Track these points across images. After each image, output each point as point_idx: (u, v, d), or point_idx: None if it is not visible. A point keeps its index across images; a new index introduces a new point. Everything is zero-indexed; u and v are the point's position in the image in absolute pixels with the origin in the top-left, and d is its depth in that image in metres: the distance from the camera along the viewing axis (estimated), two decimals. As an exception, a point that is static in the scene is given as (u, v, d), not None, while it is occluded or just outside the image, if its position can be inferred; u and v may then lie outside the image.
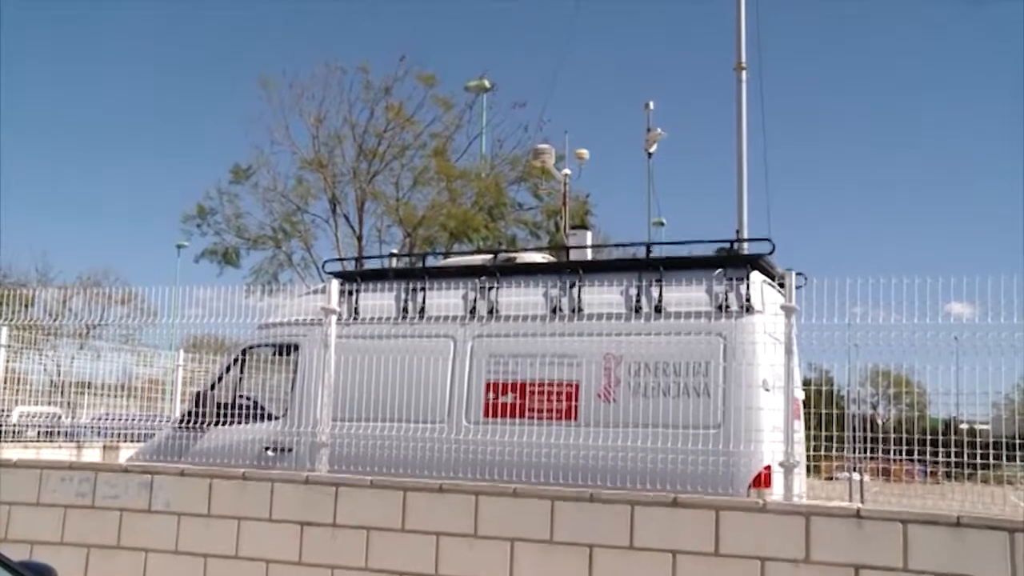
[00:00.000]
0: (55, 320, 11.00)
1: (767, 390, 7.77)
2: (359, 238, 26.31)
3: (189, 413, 9.52)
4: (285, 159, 26.95)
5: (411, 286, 9.23)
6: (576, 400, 8.33)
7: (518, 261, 9.64)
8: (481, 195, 25.72)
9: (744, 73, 15.82)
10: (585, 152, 21.59)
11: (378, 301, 9.29)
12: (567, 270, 8.89)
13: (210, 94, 60.96)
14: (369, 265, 11.17)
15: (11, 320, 10.29)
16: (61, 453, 12.12)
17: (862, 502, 7.95)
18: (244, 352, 9.69)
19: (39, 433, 12.62)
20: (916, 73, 62.63)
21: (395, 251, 18.26)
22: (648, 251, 8.99)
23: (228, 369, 9.71)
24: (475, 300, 8.98)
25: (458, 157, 26.70)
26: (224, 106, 59.46)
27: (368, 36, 51.54)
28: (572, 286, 8.70)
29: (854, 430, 8.05)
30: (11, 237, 57.81)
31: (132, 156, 64.96)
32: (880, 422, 8.30)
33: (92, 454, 12.61)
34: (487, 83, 26.43)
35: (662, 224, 28.64)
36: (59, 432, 12.80)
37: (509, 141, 26.28)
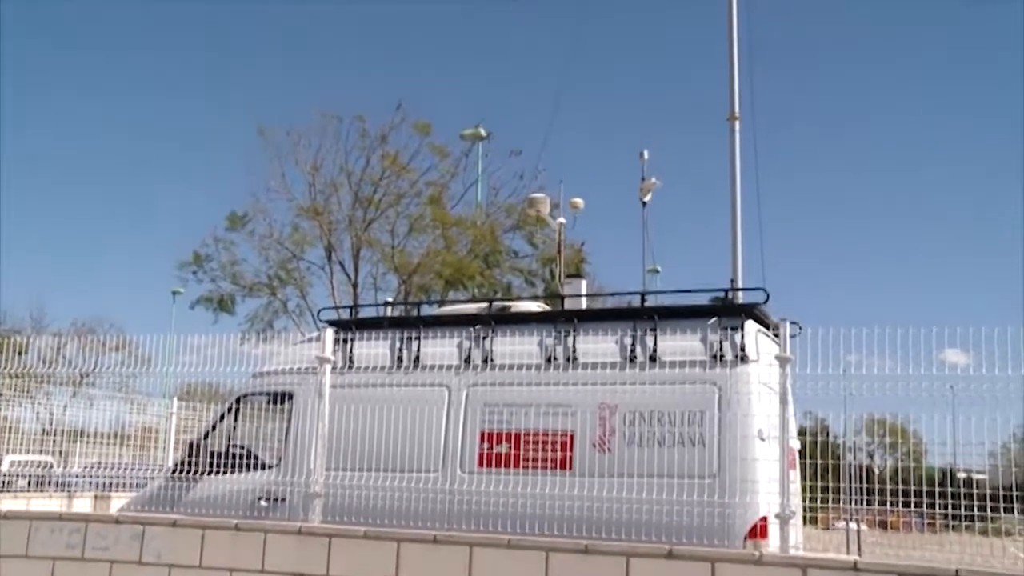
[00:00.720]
0: (49, 368, 10.97)
1: (763, 440, 7.74)
2: (354, 285, 26.32)
3: (182, 462, 9.46)
4: (281, 207, 27.07)
5: (406, 335, 9.22)
6: (571, 450, 8.29)
7: (513, 310, 9.64)
8: (476, 243, 25.79)
9: (737, 123, 15.96)
10: (580, 201, 21.71)
11: (373, 350, 9.27)
12: (562, 319, 8.89)
13: (208, 142, 61.41)
14: (364, 313, 11.16)
15: (4, 368, 10.26)
16: (51, 503, 12.01)
17: (859, 553, 7.89)
18: (238, 400, 9.65)
19: (29, 482, 12.51)
20: (909, 122, 63.23)
21: (390, 299, 18.27)
22: (643, 300, 9.00)
23: (222, 418, 9.66)
24: (470, 349, 8.96)
25: (454, 205, 26.85)
26: (221, 154, 59.84)
27: (365, 85, 52.06)
28: (567, 335, 8.69)
29: (851, 480, 8.02)
30: (7, 282, 57.82)
31: (129, 204, 65.28)
32: (877, 471, 8.27)
33: (83, 504, 12.50)
34: (483, 131, 26.65)
35: (657, 271, 28.73)
36: (50, 481, 12.70)
37: (505, 189, 26.49)
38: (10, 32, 58.55)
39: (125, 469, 11.58)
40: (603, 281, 28.13)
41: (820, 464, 7.78)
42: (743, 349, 8.08)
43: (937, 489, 7.27)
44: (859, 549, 8.18)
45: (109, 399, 12.32)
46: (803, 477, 8.54)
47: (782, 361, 7.33)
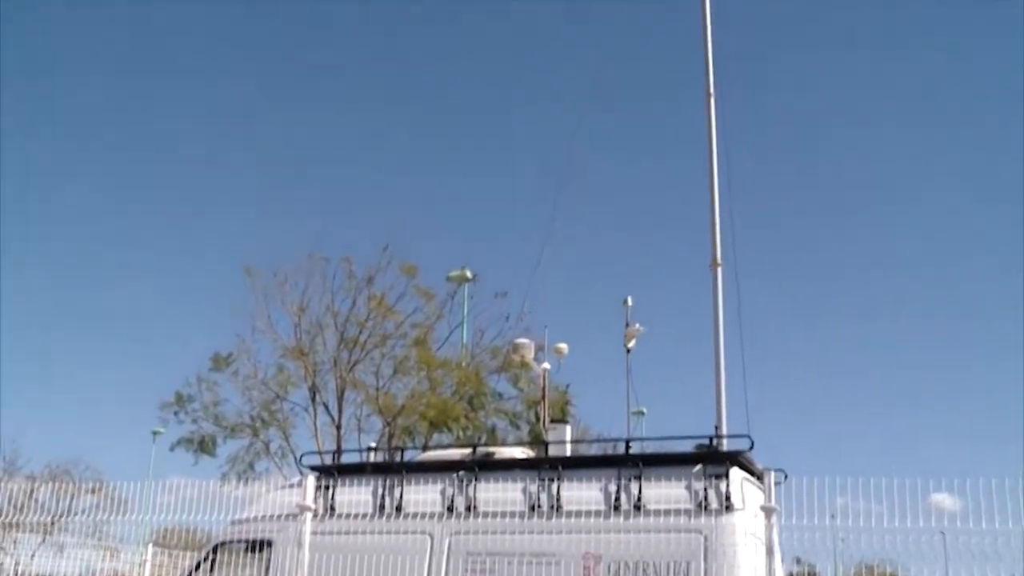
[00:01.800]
0: (20, 513, 10.72)
1: (750, 592, 7.60)
2: (338, 427, 26.06)
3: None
4: (266, 347, 27.01)
5: (389, 481, 9.13)
6: (556, 601, 8.11)
7: (497, 456, 9.58)
8: (461, 385, 25.72)
9: (719, 270, 16.22)
10: (564, 347, 21.85)
11: (355, 496, 9.16)
12: (546, 466, 8.84)
13: (193, 282, 61.75)
14: (347, 458, 11.06)
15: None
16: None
17: None
18: (215, 548, 9.45)
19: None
20: (897, 272, 64.22)
21: (374, 443, 18.09)
22: (627, 447, 8.97)
23: (198, 566, 9.44)
24: (453, 496, 8.87)
25: (439, 346, 26.86)
26: (207, 294, 60.16)
27: (352, 224, 52.81)
28: (551, 482, 8.62)
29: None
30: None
31: (112, 344, 64.92)
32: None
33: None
34: (469, 273, 26.93)
35: (642, 413, 28.65)
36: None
37: (490, 331, 26.54)
38: (9, 173, 59.52)
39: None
40: (588, 423, 27.96)
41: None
42: (728, 498, 8.02)
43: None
44: None
45: (80, 547, 12.00)
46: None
47: (767, 512, 7.28)
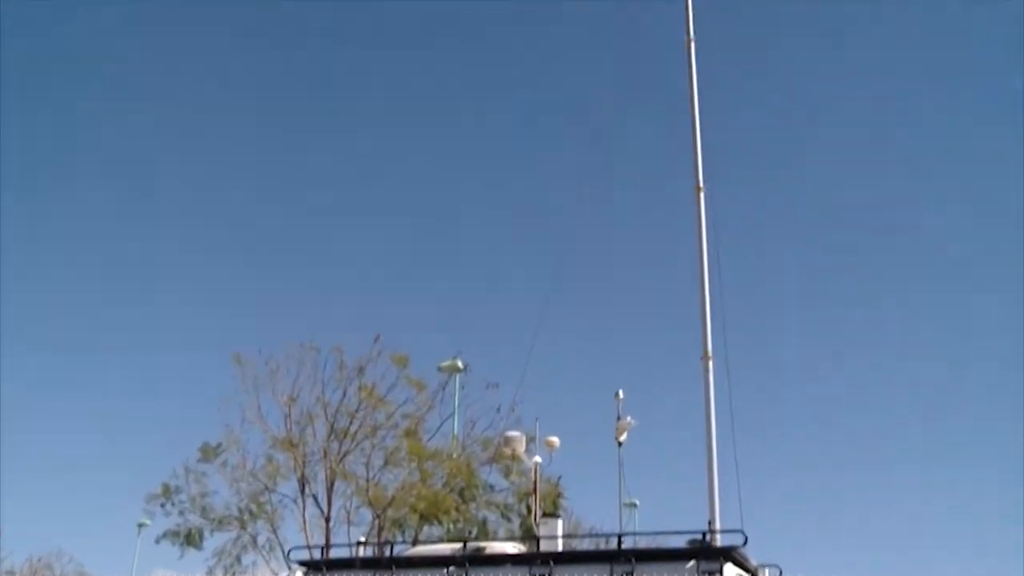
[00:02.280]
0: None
1: None
2: (327, 519, 25.71)
3: None
4: (255, 437, 26.79)
5: (378, 577, 9.01)
6: None
7: (488, 551, 9.49)
8: (452, 476, 25.49)
9: (711, 362, 16.29)
10: (555, 440, 21.73)
11: (343, 592, 9.03)
12: (538, 561, 8.75)
13: (181, 372, 61.36)
14: (336, 552, 10.92)
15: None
16: None
17: None
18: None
19: None
20: (892, 366, 64.26)
21: (363, 538, 17.86)
22: (619, 542, 8.90)
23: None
24: (443, 593, 8.75)
25: (430, 437, 26.69)
26: (194, 384, 59.73)
27: (344, 314, 52.87)
28: (543, 578, 8.52)
29: None
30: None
31: (96, 433, 64.25)
32: None
33: None
34: (460, 364, 26.92)
35: (634, 505, 28.31)
36: None
37: (481, 422, 26.44)
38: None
39: None
40: (580, 515, 27.64)
41: None
42: (722, 595, 7.94)
43: None
44: None
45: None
46: None
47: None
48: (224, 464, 26.53)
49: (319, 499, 26.10)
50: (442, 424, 26.98)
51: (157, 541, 26.89)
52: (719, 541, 8.90)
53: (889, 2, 63.61)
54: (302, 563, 9.42)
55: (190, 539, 26.23)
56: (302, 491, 26.15)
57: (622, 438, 18.90)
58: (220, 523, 26.29)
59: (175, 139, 66.16)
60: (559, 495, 25.32)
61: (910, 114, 64.99)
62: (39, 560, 35.09)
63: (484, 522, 25.38)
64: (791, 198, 66.39)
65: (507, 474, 26.05)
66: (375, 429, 26.32)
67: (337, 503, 26.12)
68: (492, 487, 26.53)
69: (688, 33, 19.23)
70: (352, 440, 26.18)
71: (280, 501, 26.42)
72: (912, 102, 65.01)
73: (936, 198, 64.82)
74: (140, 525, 35.37)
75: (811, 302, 65.86)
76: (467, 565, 8.89)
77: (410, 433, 25.95)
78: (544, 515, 16.10)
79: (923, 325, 62.78)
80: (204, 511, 26.41)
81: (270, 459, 26.41)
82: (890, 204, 65.17)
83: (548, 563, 8.65)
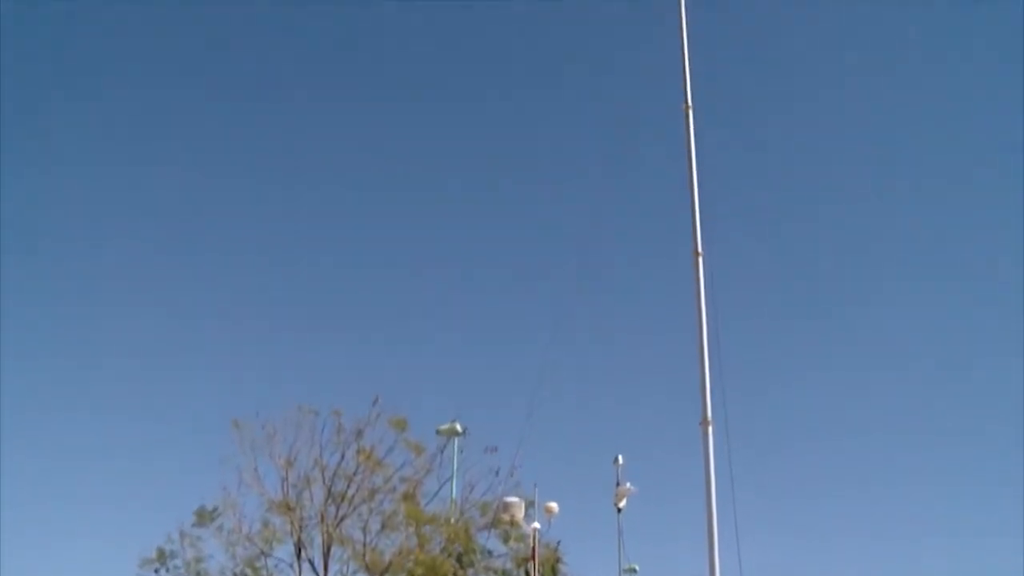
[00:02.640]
0: None
1: None
2: (323, 584, 25.47)
3: None
4: (252, 501, 26.62)
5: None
6: None
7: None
8: (450, 541, 25.30)
9: (710, 428, 16.21)
10: (554, 506, 21.61)
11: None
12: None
13: (177, 434, 60.87)
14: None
15: None
16: None
17: None
18: None
19: None
20: (888, 414, 63.97)
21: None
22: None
23: None
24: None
25: (428, 501, 26.56)
26: (191, 447, 59.22)
27: (342, 376, 52.75)
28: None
29: None
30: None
31: (88, 499, 63.33)
32: None
33: None
34: (459, 427, 26.88)
35: (634, 571, 28.02)
36: None
37: (480, 486, 26.33)
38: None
39: None
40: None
41: None
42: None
43: None
44: None
45: None
46: None
47: None
48: (220, 528, 26.35)
49: (315, 564, 25.89)
50: (440, 488, 26.88)
51: (150, 608, 26.57)
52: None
53: (891, 71, 64.46)
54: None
55: (185, 604, 25.94)
56: (298, 555, 25.95)
57: (621, 504, 18.82)
58: (215, 588, 26.03)
59: (170, 199, 66.46)
60: (558, 560, 25.13)
61: (912, 187, 65.43)
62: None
63: (482, 588, 25.14)
64: (791, 262, 66.60)
65: (506, 539, 25.87)
66: (373, 493, 26.20)
67: (334, 568, 25.92)
68: (491, 552, 26.34)
69: (686, 100, 19.47)
70: (349, 504, 26.04)
71: (276, 566, 26.21)
72: (913, 167, 65.57)
73: (937, 271, 65.03)
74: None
75: (812, 366, 65.67)
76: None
77: (408, 497, 25.82)
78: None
79: (927, 387, 62.64)
80: (199, 576, 26.15)
81: (266, 523, 26.26)
82: (891, 268, 65.43)
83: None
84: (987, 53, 59.11)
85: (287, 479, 26.37)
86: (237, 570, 26.11)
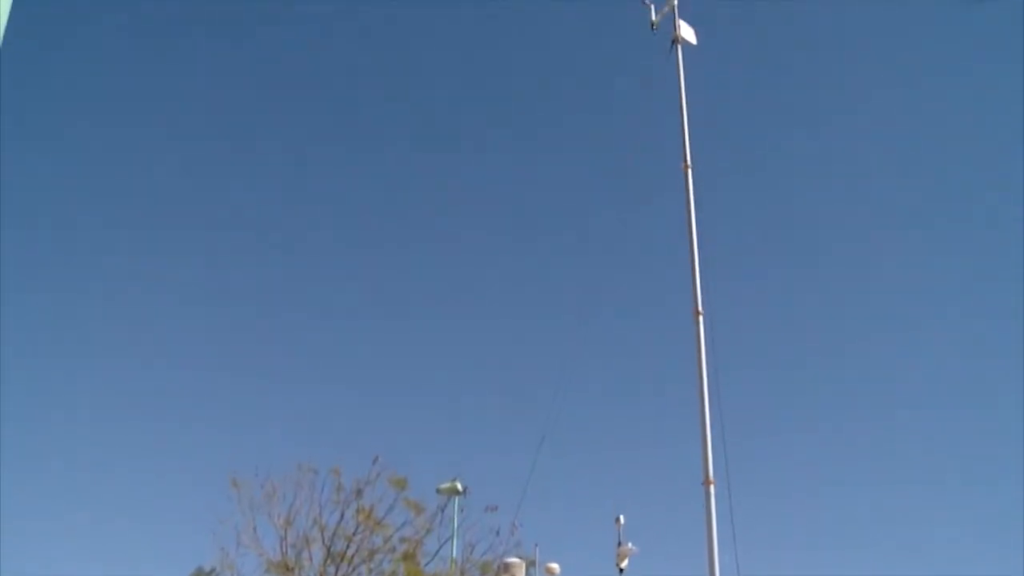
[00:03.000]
0: None
1: None
2: (322, 647, 25.12)
3: None
4: (250, 562, 26.30)
5: None
6: None
7: None
8: (451, 602, 25.02)
9: (712, 487, 16.21)
10: (556, 567, 21.51)
11: None
12: None
13: (174, 493, 60.50)
14: None
15: None
16: None
17: None
18: None
19: None
20: (889, 467, 63.49)
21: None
22: None
23: None
24: None
25: (428, 561, 26.21)
26: (188, 506, 58.81)
27: (342, 433, 52.51)
28: None
29: None
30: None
31: (85, 558, 62.91)
32: None
33: None
34: (459, 486, 26.70)
35: (638, 633, 27.69)
36: None
37: (480, 545, 26.03)
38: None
39: None
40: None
41: None
42: None
43: None
44: None
45: None
46: None
47: None
48: (217, 589, 26.06)
49: (315, 625, 25.56)
50: (440, 547, 26.57)
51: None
52: None
53: (896, 130, 65.15)
54: None
55: (181, 668, 25.56)
56: (297, 617, 25.62)
57: (623, 564, 18.68)
58: (212, 651, 25.68)
59: (169, 256, 66.75)
60: (561, 621, 24.80)
61: (914, 241, 65.74)
62: None
63: (483, 650, 24.79)
64: (790, 320, 66.67)
65: (507, 599, 25.59)
66: (372, 553, 25.93)
67: (332, 630, 25.57)
68: (491, 613, 26.03)
69: (685, 160, 19.73)
70: (349, 564, 25.75)
71: (273, 629, 25.87)
72: (914, 220, 65.90)
73: (940, 324, 65.06)
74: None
75: (814, 425, 65.42)
76: None
77: (408, 557, 25.56)
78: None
79: (929, 441, 62.34)
80: (195, 640, 25.82)
81: (265, 584, 25.96)
82: (894, 320, 65.47)
83: None
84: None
85: (286, 539, 26.10)
86: (235, 632, 25.80)
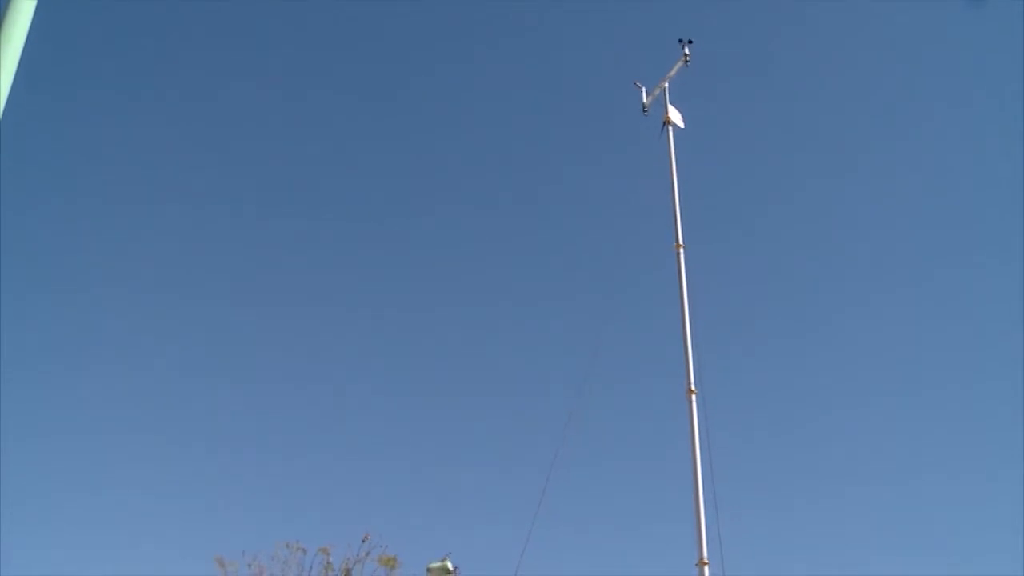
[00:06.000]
0: None
1: None
2: None
3: None
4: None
5: None
6: None
7: None
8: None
9: (706, 568, 16.04)
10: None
11: None
12: None
13: (159, 572, 59.43)
14: None
15: None
16: None
17: None
18: None
19: None
20: (891, 530, 62.81)
21: None
22: None
23: None
24: None
25: (417, 644, 25.91)
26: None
27: (330, 512, 51.89)
28: None
29: None
30: None
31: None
32: None
33: None
34: (450, 565, 26.34)
35: None
36: None
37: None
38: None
39: None
40: None
41: None
42: None
43: None
44: None
45: None
46: None
47: None
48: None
49: None
50: (430, 630, 26.21)
51: None
52: None
53: (896, 191, 65.87)
54: None
55: None
56: None
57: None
58: None
59: (158, 320, 66.49)
60: None
61: (904, 304, 66.06)
62: None
63: None
64: (784, 398, 66.60)
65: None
66: (360, 633, 25.56)
67: None
68: None
69: (677, 239, 19.89)
70: (337, 645, 25.37)
71: None
72: (907, 284, 66.29)
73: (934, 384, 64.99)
74: None
75: (809, 501, 64.89)
76: None
77: (397, 638, 25.19)
78: None
79: (936, 510, 61.84)
80: None
81: (251, 665, 25.50)
82: (891, 384, 65.43)
83: None
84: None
85: (274, 619, 25.76)
86: None
